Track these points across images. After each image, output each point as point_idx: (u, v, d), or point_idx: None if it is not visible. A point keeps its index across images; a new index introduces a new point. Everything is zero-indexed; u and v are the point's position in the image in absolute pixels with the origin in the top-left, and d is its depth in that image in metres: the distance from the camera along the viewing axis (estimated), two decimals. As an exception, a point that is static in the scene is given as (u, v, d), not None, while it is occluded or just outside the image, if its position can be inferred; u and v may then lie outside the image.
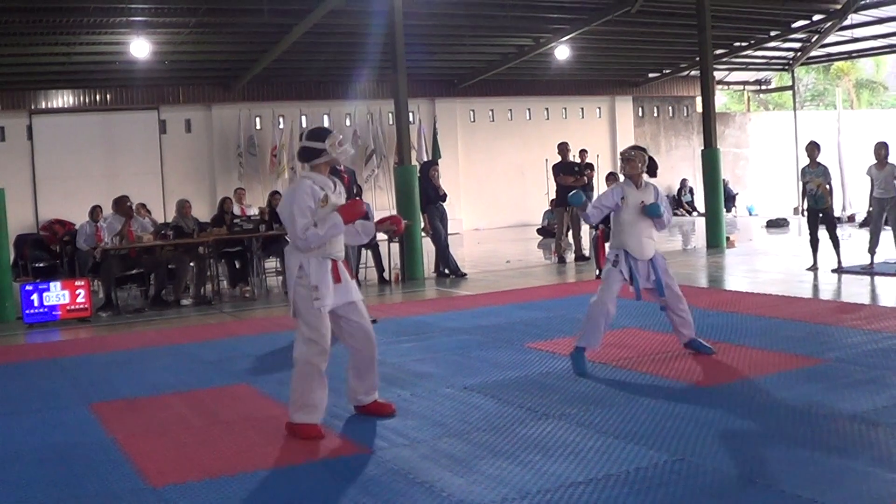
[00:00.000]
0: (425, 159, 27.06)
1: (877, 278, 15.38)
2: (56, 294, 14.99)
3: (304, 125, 28.52)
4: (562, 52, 27.94)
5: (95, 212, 17.21)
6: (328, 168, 7.83)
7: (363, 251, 17.89)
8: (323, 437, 7.49)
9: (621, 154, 9.83)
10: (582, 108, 34.52)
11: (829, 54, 37.13)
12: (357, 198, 7.85)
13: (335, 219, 7.47)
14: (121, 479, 6.64)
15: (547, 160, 25.27)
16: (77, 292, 15.10)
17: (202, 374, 10.42)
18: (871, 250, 16.10)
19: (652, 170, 9.76)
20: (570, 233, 20.66)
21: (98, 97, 26.46)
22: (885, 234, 16.42)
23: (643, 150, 9.75)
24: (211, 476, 6.56)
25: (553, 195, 22.18)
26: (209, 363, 11.00)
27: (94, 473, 6.79)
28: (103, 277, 16.11)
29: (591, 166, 23.26)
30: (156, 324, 14.69)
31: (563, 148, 20.49)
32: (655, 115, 36.54)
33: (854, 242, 19.93)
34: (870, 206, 16.73)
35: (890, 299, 13.49)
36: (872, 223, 16.32)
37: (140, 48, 21.94)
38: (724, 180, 24.38)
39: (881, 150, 16.05)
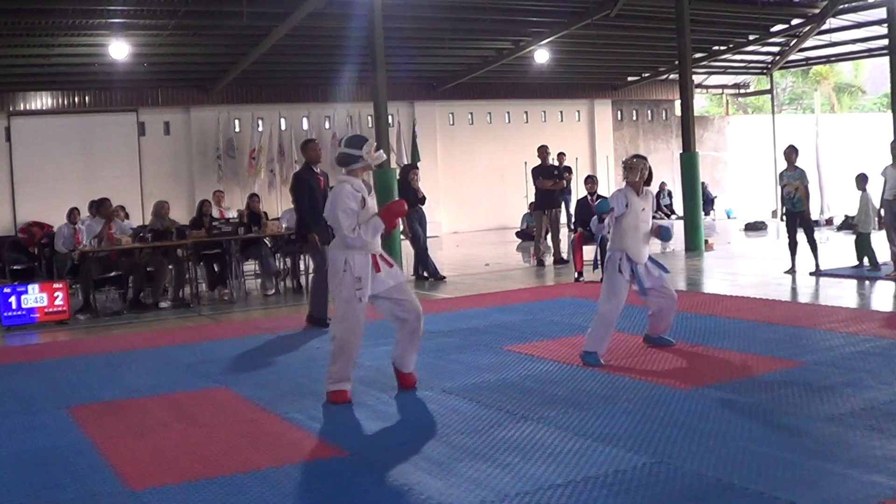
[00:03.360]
0: (405, 162, 27.04)
1: (854, 281, 15.44)
2: (34, 297, 14.93)
3: (283, 128, 28.52)
4: (541, 55, 27.95)
5: (73, 214, 17.15)
6: (363, 172, 8.77)
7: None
8: (350, 401, 8.57)
9: (624, 162, 10.41)
10: (561, 112, 34.55)
11: (808, 58, 37.33)
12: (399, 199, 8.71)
13: (377, 222, 8.51)
14: (99, 482, 6.62)
15: (526, 163, 25.28)
16: (55, 295, 15.04)
17: (181, 376, 10.40)
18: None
19: (649, 179, 10.19)
20: (548, 236, 20.66)
21: (77, 99, 26.38)
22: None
23: (645, 159, 10.23)
24: (189, 479, 6.55)
25: (532, 198, 22.20)
26: (188, 366, 10.98)
27: (72, 477, 6.77)
28: (82, 280, 16.05)
29: (569, 169, 23.31)
30: (134, 327, 14.66)
31: (542, 151, 20.51)
32: (634, 118, 36.62)
33: (831, 246, 20.03)
34: (880, 206, 16.48)
35: (867, 302, 13.56)
36: (888, 226, 15.96)
37: (119, 50, 21.85)
38: (703, 183, 24.44)
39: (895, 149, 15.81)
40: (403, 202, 8.87)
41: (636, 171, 10.05)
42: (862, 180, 16.32)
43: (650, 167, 10.23)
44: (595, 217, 10.02)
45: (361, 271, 8.49)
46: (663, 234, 10.34)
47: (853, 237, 16.83)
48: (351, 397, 8.64)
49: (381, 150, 8.86)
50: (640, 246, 10.00)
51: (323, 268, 13.28)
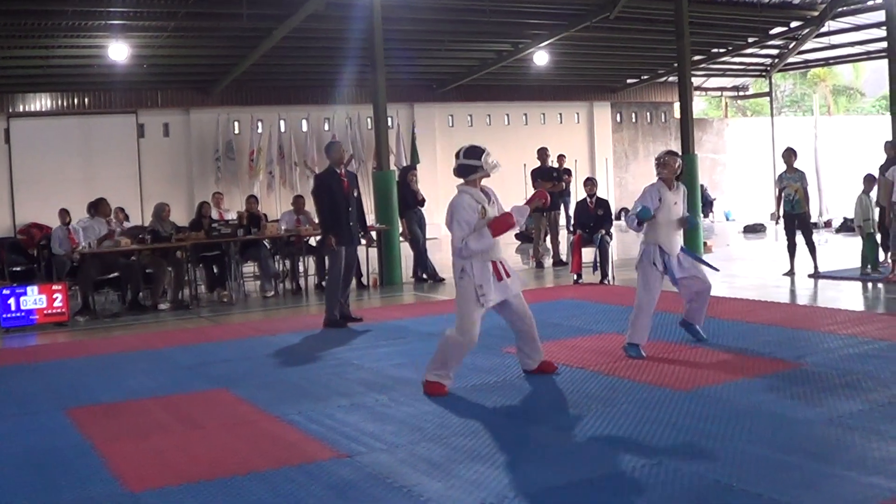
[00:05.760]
0: (404, 164, 27.00)
1: (852, 283, 15.45)
2: (33, 298, 14.91)
3: (282, 130, 28.53)
4: (541, 57, 27.98)
5: (63, 215, 17.14)
6: (481, 181, 9.05)
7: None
8: (446, 394, 8.79)
9: (657, 158, 10.80)
10: (560, 114, 34.55)
11: (807, 61, 37.32)
12: (508, 212, 9.06)
13: (486, 234, 8.75)
14: (98, 484, 6.62)
15: (525, 165, 25.28)
16: (54, 296, 15.03)
17: (180, 378, 10.40)
18: (895, 254, 15.66)
19: (680, 175, 10.80)
20: (548, 238, 20.66)
21: (76, 100, 26.38)
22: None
23: (677, 155, 10.78)
24: (189, 481, 6.55)
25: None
26: (187, 368, 10.97)
27: (71, 478, 6.77)
28: (81, 281, 16.04)
29: (568, 171, 23.32)
30: (133, 328, 14.65)
31: (542, 153, 20.53)
32: (633, 120, 36.62)
33: (830, 248, 20.04)
34: (889, 210, 16.35)
35: (866, 304, 13.56)
36: (893, 226, 15.75)
37: (118, 51, 21.83)
38: (702, 185, 24.42)
39: None
40: (512, 217, 8.98)
41: (669, 167, 10.55)
42: (870, 181, 16.28)
43: (681, 163, 10.76)
44: (635, 219, 10.39)
45: (482, 279, 8.79)
46: (690, 220, 10.84)
47: (860, 240, 16.60)
48: (448, 392, 8.88)
49: (497, 160, 9.12)
50: (672, 238, 10.51)
51: (336, 270, 13.42)
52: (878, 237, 16.41)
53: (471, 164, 8.99)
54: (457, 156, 9.18)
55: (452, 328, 8.94)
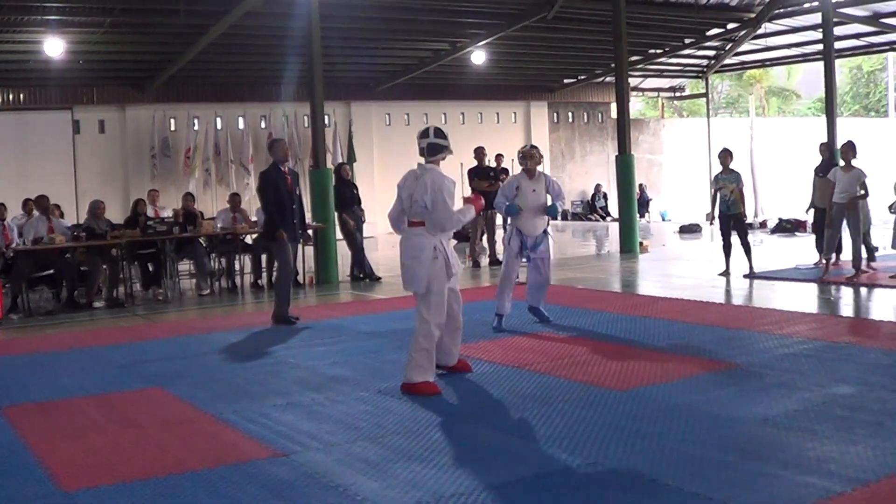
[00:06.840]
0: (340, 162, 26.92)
1: (787, 283, 15.60)
2: (-35, 296, 14.75)
3: (219, 127, 28.33)
4: (478, 56, 28.05)
5: (-4, 211, 17.02)
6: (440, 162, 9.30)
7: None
8: (440, 393, 8.69)
9: (519, 150, 12.60)
10: (497, 113, 34.63)
11: (743, 62, 37.72)
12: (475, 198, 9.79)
13: (470, 211, 9.30)
14: (32, 483, 6.55)
15: (462, 164, 25.30)
16: (-14, 294, 14.87)
17: (115, 377, 10.31)
18: (829, 254, 15.92)
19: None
20: (484, 237, 20.67)
21: (11, 97, 26.08)
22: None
23: (537, 148, 12.61)
24: (123, 480, 6.49)
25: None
26: (122, 366, 10.87)
27: (4, 478, 6.69)
28: (14, 279, 15.85)
29: (505, 171, 23.32)
30: (68, 326, 14.50)
31: (479, 153, 20.51)
32: (570, 120, 36.77)
33: (765, 248, 20.21)
34: (811, 206, 16.45)
35: (800, 304, 13.69)
36: (832, 227, 15.89)
37: (54, 47, 21.65)
38: (641, 185, 24.52)
39: (848, 151, 15.46)
40: (480, 196, 9.83)
41: (533, 158, 12.29)
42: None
43: (540, 155, 12.53)
44: (505, 213, 12.23)
45: (451, 254, 9.01)
46: (549, 210, 12.15)
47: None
48: (439, 388, 8.84)
49: None
50: (529, 222, 12.02)
51: (287, 265, 13.48)
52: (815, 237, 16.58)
53: (441, 144, 9.27)
54: (426, 134, 9.35)
55: (422, 321, 8.90)
